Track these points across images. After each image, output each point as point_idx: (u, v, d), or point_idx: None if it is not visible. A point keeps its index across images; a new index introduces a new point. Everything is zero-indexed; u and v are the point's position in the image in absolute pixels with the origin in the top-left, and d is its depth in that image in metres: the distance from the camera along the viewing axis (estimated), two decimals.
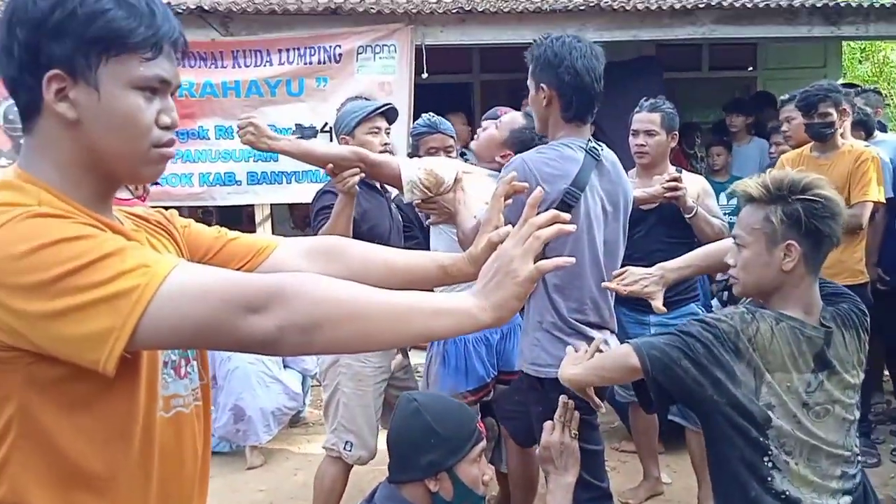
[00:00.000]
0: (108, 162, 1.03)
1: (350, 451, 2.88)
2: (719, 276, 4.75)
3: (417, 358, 3.54)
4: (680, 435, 3.55)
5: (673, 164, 3.46)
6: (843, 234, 3.73)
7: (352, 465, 2.93)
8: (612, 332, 2.40)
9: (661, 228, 3.25)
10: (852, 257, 3.76)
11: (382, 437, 3.12)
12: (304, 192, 4.93)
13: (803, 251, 1.61)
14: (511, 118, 2.87)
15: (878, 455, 3.79)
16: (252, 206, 5.27)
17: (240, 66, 5.00)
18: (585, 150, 2.23)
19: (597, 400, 1.89)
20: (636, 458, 3.62)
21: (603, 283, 2.14)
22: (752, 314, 1.61)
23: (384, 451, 3.09)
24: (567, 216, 1.12)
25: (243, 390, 3.87)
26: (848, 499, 1.59)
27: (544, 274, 1.05)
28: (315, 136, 4.77)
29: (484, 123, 3.00)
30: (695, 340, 1.58)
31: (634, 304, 3.13)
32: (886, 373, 4.43)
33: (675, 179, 3.14)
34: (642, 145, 3.29)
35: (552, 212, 1.10)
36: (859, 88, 5.25)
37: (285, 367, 4.13)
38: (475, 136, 3.06)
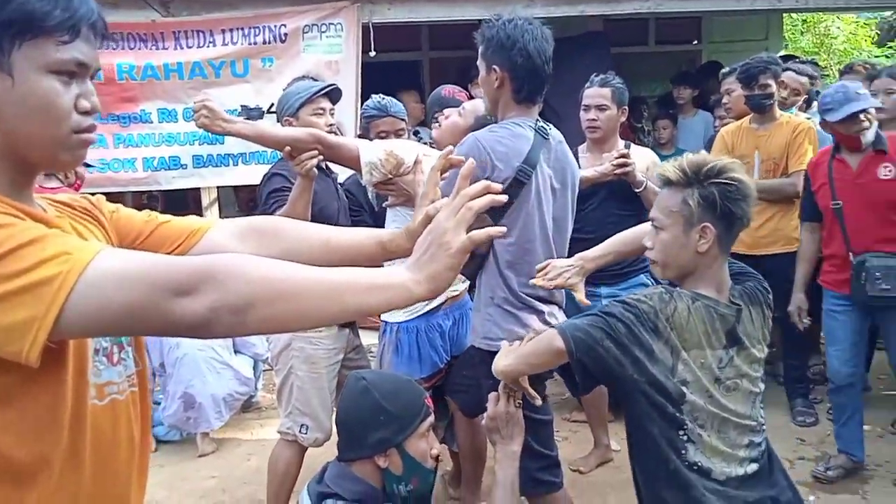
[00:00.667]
0: (25, 148, 1.01)
1: (306, 433, 2.88)
2: None
3: (369, 338, 3.55)
4: None
5: (621, 138, 3.52)
6: (780, 202, 3.92)
7: (307, 448, 2.94)
8: (560, 306, 2.45)
9: (611, 202, 3.31)
10: (788, 225, 3.89)
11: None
12: (251, 175, 4.89)
13: (717, 233, 1.68)
14: (474, 105, 2.89)
15: (815, 414, 3.95)
16: (198, 189, 5.18)
17: (182, 48, 4.89)
18: (535, 129, 2.28)
19: (531, 391, 1.91)
20: (586, 428, 3.71)
21: (530, 280, 2.17)
22: (670, 294, 1.67)
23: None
24: (499, 187, 1.13)
25: (193, 377, 3.83)
26: (755, 465, 1.66)
27: (477, 244, 1.06)
28: (261, 118, 4.71)
29: (446, 111, 2.98)
30: (616, 321, 1.64)
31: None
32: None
33: (623, 156, 3.20)
34: (594, 120, 3.33)
35: (483, 182, 1.11)
36: (798, 59, 5.38)
37: (236, 352, 4.10)
38: (434, 122, 3.05)
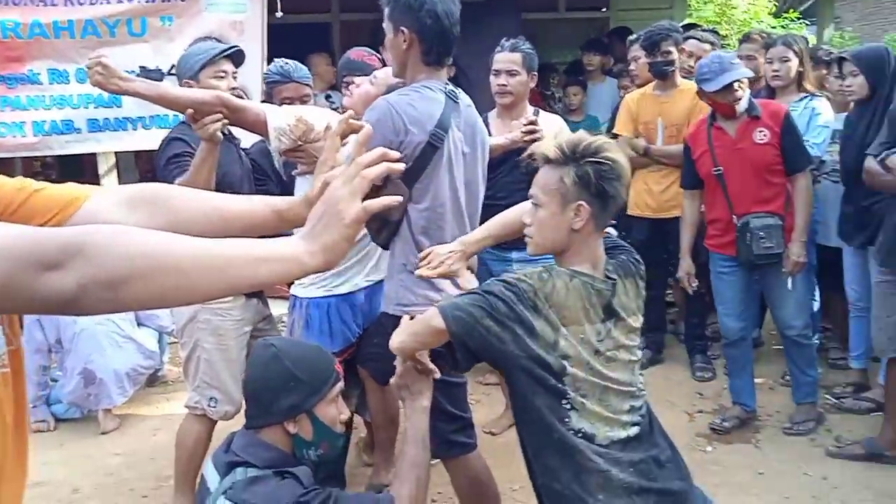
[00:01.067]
0: None
1: (215, 406, 2.82)
2: None
3: (279, 308, 3.49)
4: None
5: (531, 105, 3.54)
6: (682, 166, 4.02)
7: (216, 422, 2.87)
8: (473, 270, 2.47)
9: (518, 171, 3.33)
10: None
11: None
12: (151, 139, 4.64)
13: (592, 211, 1.72)
14: (386, 74, 2.80)
15: (713, 370, 4.15)
16: (95, 155, 4.92)
17: (73, 4, 4.57)
18: (445, 93, 2.27)
19: (428, 365, 1.90)
20: (499, 390, 3.77)
21: (416, 272, 2.16)
22: (549, 272, 1.71)
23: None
24: (396, 154, 1.11)
25: (92, 352, 3.68)
26: (636, 429, 1.73)
27: (372, 214, 1.03)
28: (162, 80, 4.47)
29: (357, 80, 2.90)
30: (496, 299, 1.66)
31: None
32: None
33: (532, 122, 3.22)
34: (504, 85, 3.33)
35: (380, 150, 1.08)
36: (700, 28, 5.54)
37: (139, 324, 3.95)
38: (344, 88, 2.96)
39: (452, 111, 2.26)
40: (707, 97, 3.40)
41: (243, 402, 2.84)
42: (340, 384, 1.84)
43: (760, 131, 3.30)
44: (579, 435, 1.67)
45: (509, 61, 3.31)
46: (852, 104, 3.58)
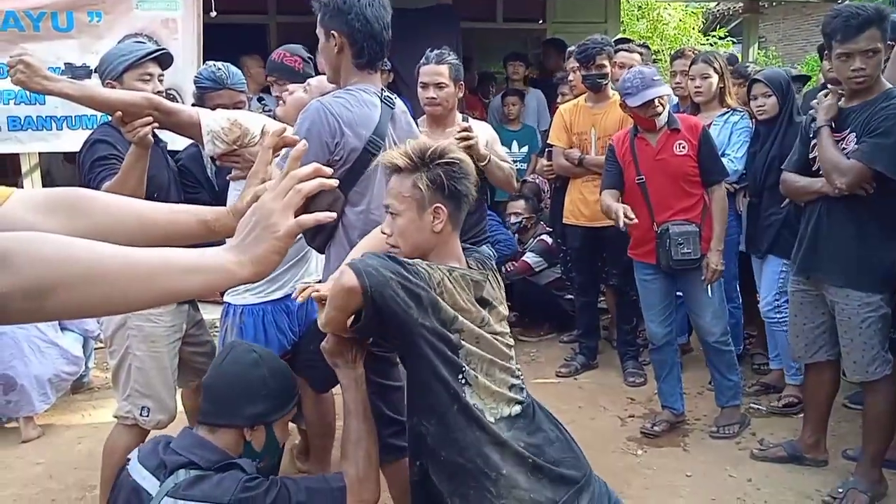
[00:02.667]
0: None
1: (147, 416, 2.71)
2: (513, 220, 5.02)
3: (211, 313, 3.41)
4: None
5: (468, 113, 3.57)
6: None
7: (147, 432, 2.77)
8: None
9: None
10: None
11: (179, 396, 3.00)
12: (77, 141, 4.45)
13: (448, 211, 1.79)
14: (320, 81, 2.77)
15: (644, 375, 4.25)
16: (17, 155, 4.71)
17: None
18: (381, 98, 2.26)
19: (350, 354, 1.90)
20: None
21: (292, 296, 2.16)
22: (430, 266, 1.75)
23: (181, 412, 2.98)
24: (329, 170, 1.12)
25: (12, 358, 3.52)
26: (518, 407, 1.81)
27: (305, 229, 1.04)
28: (89, 77, 4.34)
29: (290, 86, 2.85)
30: (402, 268, 1.68)
31: None
32: None
33: (466, 129, 3.24)
34: (433, 98, 3.33)
35: (314, 165, 1.10)
36: (633, 42, 5.70)
37: (63, 329, 3.79)
38: (275, 92, 2.91)
39: (389, 118, 2.27)
40: (629, 110, 3.51)
41: (176, 409, 2.80)
42: (294, 411, 1.89)
43: (680, 143, 3.43)
44: (469, 410, 1.73)
45: (436, 74, 3.31)
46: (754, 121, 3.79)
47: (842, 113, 2.94)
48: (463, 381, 1.73)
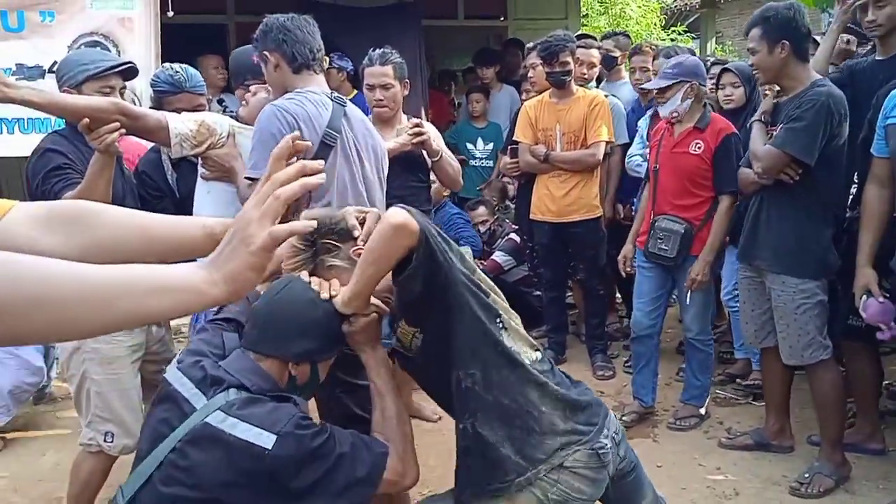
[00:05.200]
0: None
1: (111, 441, 2.60)
2: (482, 229, 5.02)
3: (177, 319, 3.34)
4: None
5: (434, 111, 3.57)
6: (582, 172, 4.18)
7: (115, 458, 2.66)
8: None
9: (405, 175, 3.33)
10: (590, 193, 4.16)
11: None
12: (30, 145, 4.35)
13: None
14: None
15: (613, 368, 4.30)
16: None
17: None
18: (331, 99, 2.33)
19: (382, 305, 1.84)
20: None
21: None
22: None
23: None
24: (319, 164, 1.01)
25: None
26: (539, 353, 1.89)
27: (281, 241, 0.94)
28: (42, 78, 4.23)
29: (252, 88, 2.80)
30: (432, 226, 1.72)
31: None
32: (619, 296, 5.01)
33: (418, 125, 3.24)
34: (381, 100, 3.29)
35: (300, 163, 0.99)
36: (609, 31, 5.75)
37: None
38: (239, 95, 2.86)
39: (341, 114, 2.33)
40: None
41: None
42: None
43: (697, 143, 3.44)
44: (509, 353, 1.79)
45: (382, 75, 3.27)
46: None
47: (776, 107, 3.06)
48: (500, 325, 1.79)
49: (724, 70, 3.90)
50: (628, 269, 3.78)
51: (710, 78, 3.99)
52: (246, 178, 2.27)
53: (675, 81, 3.44)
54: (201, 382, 1.65)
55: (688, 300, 3.48)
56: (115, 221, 1.18)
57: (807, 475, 3.00)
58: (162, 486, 1.55)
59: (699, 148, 3.43)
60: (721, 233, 3.41)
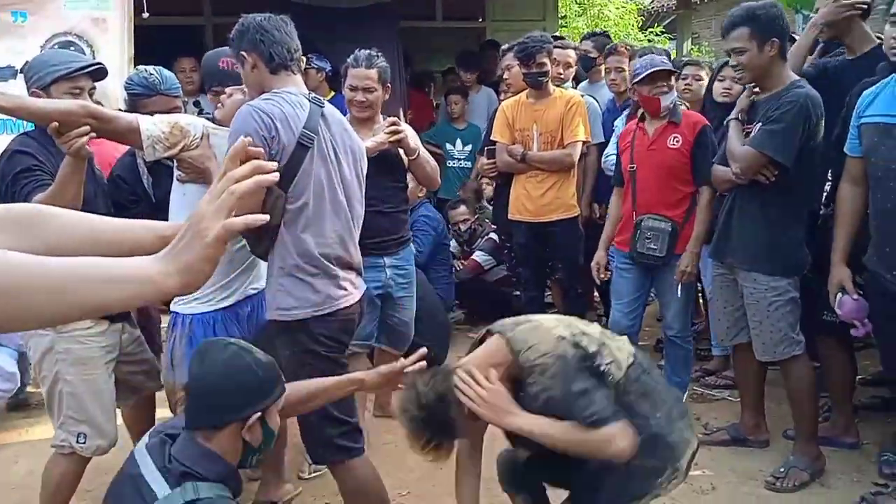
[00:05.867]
0: None
1: (84, 443, 2.58)
2: (463, 228, 5.04)
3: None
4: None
5: (414, 112, 3.55)
6: (559, 172, 4.20)
7: (88, 459, 2.65)
8: (358, 272, 2.46)
9: (383, 175, 3.32)
10: (567, 193, 4.18)
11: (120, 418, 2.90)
12: (0, 147, 4.30)
13: None
14: None
15: None
16: None
17: None
18: (308, 100, 2.32)
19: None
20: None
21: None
22: None
23: (126, 437, 2.88)
24: (272, 165, 1.05)
25: None
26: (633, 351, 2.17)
27: (236, 233, 0.98)
28: (14, 78, 4.17)
29: (228, 89, 2.78)
30: None
31: (368, 249, 3.21)
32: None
33: (395, 123, 3.23)
34: (363, 101, 3.27)
35: (252, 163, 1.03)
36: (588, 32, 5.76)
37: None
38: (212, 98, 2.85)
39: (318, 116, 2.31)
40: (638, 94, 3.58)
41: (116, 433, 2.69)
42: (284, 391, 1.86)
43: (675, 137, 3.46)
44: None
45: (366, 78, 3.25)
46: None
47: (753, 106, 3.08)
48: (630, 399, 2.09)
49: (727, 63, 3.88)
50: (602, 276, 3.78)
51: (683, 78, 4.03)
52: None
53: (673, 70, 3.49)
54: (163, 469, 1.66)
55: (678, 293, 3.48)
56: (66, 225, 1.19)
57: (782, 469, 3.03)
58: None
59: (678, 142, 3.45)
60: (705, 223, 3.43)
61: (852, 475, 3.08)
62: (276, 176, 1.04)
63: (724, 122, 3.24)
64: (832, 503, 2.91)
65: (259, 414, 1.73)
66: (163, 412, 2.95)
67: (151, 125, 2.33)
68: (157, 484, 1.63)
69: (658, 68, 3.42)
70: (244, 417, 1.72)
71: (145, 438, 1.78)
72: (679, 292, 3.48)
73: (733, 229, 3.12)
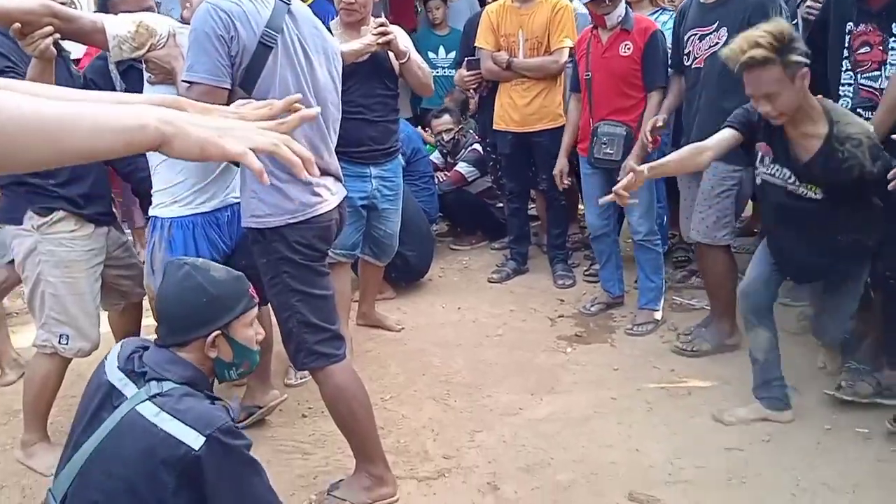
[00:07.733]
0: None
1: (66, 344, 2.63)
2: (446, 138, 4.94)
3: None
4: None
5: (394, 16, 3.42)
6: (545, 79, 4.11)
7: (69, 360, 2.69)
8: (337, 177, 2.41)
9: (374, 80, 3.24)
10: (553, 102, 4.11)
11: (105, 321, 2.91)
12: None
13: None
14: None
15: (573, 277, 4.36)
16: None
17: None
18: None
19: None
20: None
21: None
22: None
23: (109, 338, 2.89)
24: (297, 96, 1.17)
25: None
26: None
27: (242, 160, 0.98)
28: None
29: None
30: None
31: (353, 158, 3.16)
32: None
33: (383, 24, 3.12)
34: (351, 3, 3.16)
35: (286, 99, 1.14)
36: None
37: None
38: (186, 2, 2.71)
39: (284, 14, 2.21)
40: (588, 6, 3.57)
41: (99, 336, 2.71)
42: (255, 310, 1.86)
43: (626, 44, 3.53)
44: None
45: None
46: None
47: (702, 8, 3.15)
48: None
49: None
50: (566, 182, 3.94)
51: None
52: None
53: None
54: (132, 374, 1.68)
55: (638, 196, 3.43)
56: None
57: (689, 336, 3.45)
58: (90, 478, 1.58)
59: (629, 49, 3.52)
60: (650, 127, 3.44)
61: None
62: (317, 109, 1.18)
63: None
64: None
65: (217, 332, 1.75)
66: (149, 319, 2.95)
67: (117, 25, 2.25)
68: (127, 388, 1.66)
69: None
70: (204, 335, 1.74)
71: (116, 347, 1.80)
72: (636, 194, 3.46)
73: (698, 119, 3.23)
